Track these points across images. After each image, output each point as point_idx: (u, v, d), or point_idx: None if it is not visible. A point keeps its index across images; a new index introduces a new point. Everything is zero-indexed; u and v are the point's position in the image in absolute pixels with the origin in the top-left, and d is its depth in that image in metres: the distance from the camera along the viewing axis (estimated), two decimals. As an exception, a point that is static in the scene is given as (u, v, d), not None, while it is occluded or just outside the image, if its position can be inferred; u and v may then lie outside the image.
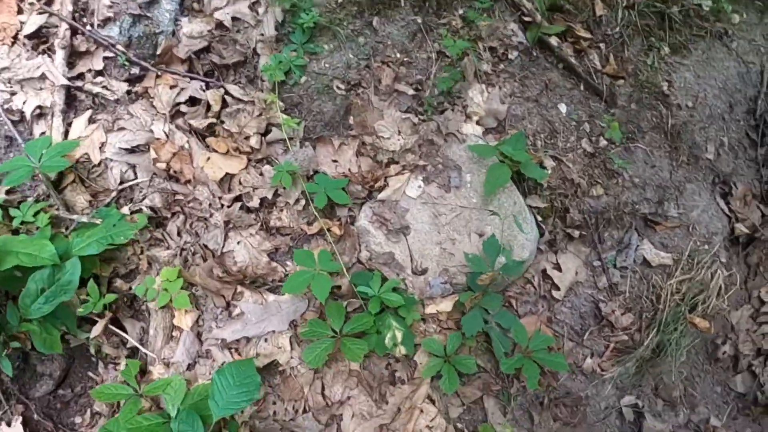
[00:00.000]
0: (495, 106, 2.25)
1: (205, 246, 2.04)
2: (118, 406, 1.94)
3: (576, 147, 2.25)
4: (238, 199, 2.07)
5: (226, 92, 2.14)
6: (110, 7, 2.09)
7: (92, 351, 1.95)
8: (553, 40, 2.31)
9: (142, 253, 2.00)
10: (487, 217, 2.14)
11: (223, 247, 2.04)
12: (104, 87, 2.08)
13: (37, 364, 1.96)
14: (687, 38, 2.42)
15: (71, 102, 2.07)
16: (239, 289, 2.01)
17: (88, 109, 2.08)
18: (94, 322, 1.94)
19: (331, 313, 1.91)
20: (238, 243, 2.05)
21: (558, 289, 2.19)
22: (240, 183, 2.08)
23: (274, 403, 1.98)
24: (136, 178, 2.05)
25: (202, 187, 2.07)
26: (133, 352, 2.01)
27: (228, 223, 2.05)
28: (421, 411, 1.99)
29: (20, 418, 1.88)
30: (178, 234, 2.04)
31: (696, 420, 2.36)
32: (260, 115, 2.11)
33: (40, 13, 2.05)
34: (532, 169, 2.06)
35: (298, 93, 2.19)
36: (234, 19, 2.19)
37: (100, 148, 2.04)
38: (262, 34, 2.20)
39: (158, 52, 2.12)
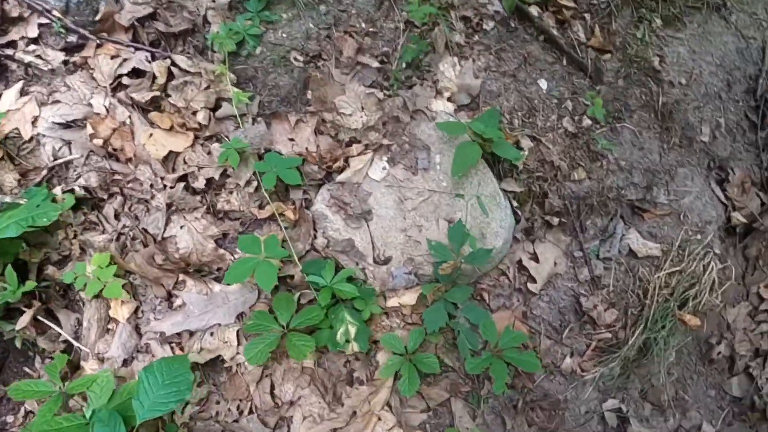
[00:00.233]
0: (468, 81, 2.06)
1: (145, 230, 1.86)
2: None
3: (557, 126, 2.06)
4: (182, 179, 1.89)
5: (173, 63, 1.96)
6: (45, -32, 1.91)
7: (17, 344, 1.78)
8: (533, 10, 2.11)
9: (75, 237, 1.83)
10: (457, 202, 1.95)
11: (164, 231, 1.86)
12: (38, 56, 1.91)
13: (-39, 358, 1.80)
14: (681, 10, 2.21)
15: (1, 72, 1.90)
16: (181, 277, 1.84)
17: (20, 80, 1.90)
18: (23, 313, 1.77)
19: (279, 305, 1.73)
20: (182, 227, 1.87)
21: (535, 281, 2.00)
22: (185, 162, 1.90)
23: (218, 403, 1.80)
24: (71, 155, 1.87)
25: (143, 167, 1.90)
26: (71, 346, 1.84)
27: (171, 205, 1.87)
28: (379, 419, 1.80)
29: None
30: (116, 217, 1.86)
31: (687, 426, 2.18)
32: (208, 87, 1.93)
33: (-33, -25, 1.87)
34: (506, 149, 1.87)
35: (252, 65, 2.00)
36: (183, -16, 2.00)
37: (32, 122, 1.86)
38: (214, 1, 2.01)
39: (98, 18, 1.94)
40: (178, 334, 1.82)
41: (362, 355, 1.89)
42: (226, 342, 1.82)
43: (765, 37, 2.34)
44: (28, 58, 1.90)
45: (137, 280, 1.84)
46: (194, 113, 1.93)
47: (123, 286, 1.79)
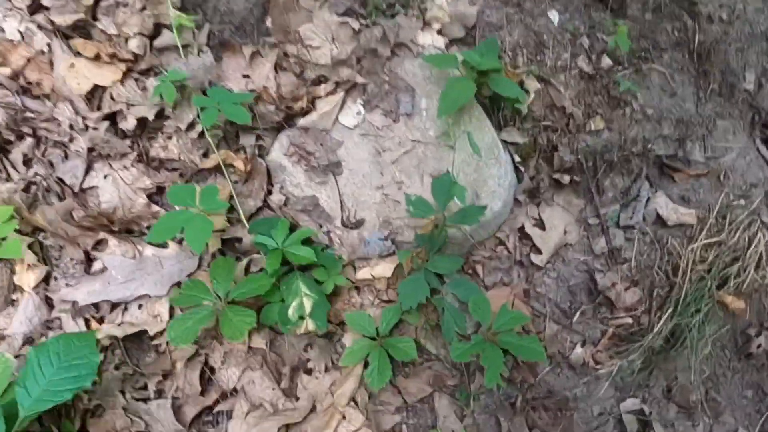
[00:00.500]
0: (462, 9, 1.70)
1: (61, 180, 1.52)
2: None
3: (570, 66, 1.69)
4: (108, 119, 1.55)
5: (104, -20, 1.61)
6: None
7: None
8: (543, -75, 1.74)
9: (-26, 186, 1.49)
10: (446, 154, 1.60)
11: (83, 181, 1.52)
12: (-61, -31, 1.57)
13: None
14: (723, -68, 1.83)
15: None
16: (103, 236, 1.50)
17: None
18: None
19: (217, 272, 1.39)
20: (105, 177, 1.53)
21: (540, 252, 1.65)
22: (112, 98, 1.56)
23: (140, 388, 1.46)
24: (-25, 88, 1.54)
25: (63, 104, 1.55)
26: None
27: (92, 150, 1.53)
28: (344, 417, 1.46)
29: None
30: (25, 163, 1.52)
31: (720, 432, 1.81)
32: (144, 9, 1.59)
33: None
34: (507, 86, 1.51)
35: (200, -14, 1.65)
36: None
37: (-73, 48, 1.53)
38: None
39: (13, -76, 1.59)
40: (96, 306, 1.48)
41: (324, 339, 1.54)
42: (156, 316, 1.48)
43: (822, -31, 1.96)
44: (-75, -30, 1.56)
45: (49, 239, 1.50)
46: (126, 40, 1.59)
47: (31, 247, 1.46)
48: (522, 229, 1.66)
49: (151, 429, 1.40)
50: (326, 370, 1.54)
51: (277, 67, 1.65)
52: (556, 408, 1.64)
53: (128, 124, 1.54)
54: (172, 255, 1.53)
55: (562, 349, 1.67)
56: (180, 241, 1.55)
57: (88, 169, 1.53)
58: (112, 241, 1.50)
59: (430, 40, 1.70)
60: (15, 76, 1.55)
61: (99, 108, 1.57)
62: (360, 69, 1.65)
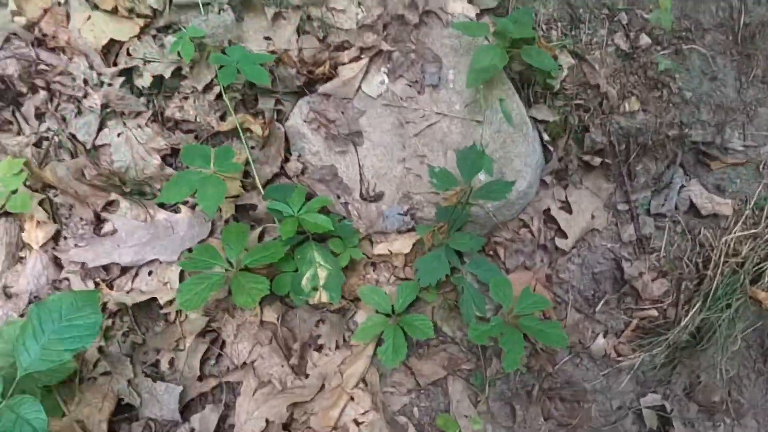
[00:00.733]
0: (496, -22, 1.62)
1: (74, 136, 1.47)
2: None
3: (606, 43, 1.61)
4: (124, 74, 1.49)
5: (125, -68, 1.55)
6: None
7: None
8: None
9: (-16, 138, 1.45)
10: (471, 130, 1.53)
11: (95, 138, 1.47)
12: None
13: None
14: None
15: None
16: (114, 197, 1.45)
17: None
18: None
19: (229, 237, 1.33)
20: (119, 135, 1.48)
21: (565, 237, 1.57)
22: (128, 54, 1.50)
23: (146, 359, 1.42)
24: (-12, 37, 1.49)
25: (78, 59, 1.50)
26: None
27: (106, 106, 1.48)
28: (352, 398, 1.40)
29: None
30: (37, 117, 1.47)
31: (741, 435, 1.74)
32: (164, -37, 1.52)
33: None
34: (540, 57, 1.42)
35: (224, -58, 1.58)
36: None
37: (-59, -7, 1.48)
38: None
39: None
40: (106, 269, 1.43)
41: (337, 315, 1.49)
42: (167, 283, 1.44)
43: None
44: None
45: (59, 197, 1.45)
46: (146, -5, 1.52)
47: (41, 204, 1.42)
48: (547, 211, 1.59)
49: (145, 407, 1.35)
50: (337, 347, 1.48)
51: (300, 30, 1.59)
52: (573, 399, 1.57)
53: (144, 81, 1.48)
54: (184, 220, 1.48)
55: (583, 338, 1.60)
56: (193, 207, 1.50)
57: (102, 126, 1.48)
58: (124, 203, 1.45)
59: (461, 8, 1.62)
60: (31, 26, 1.49)
61: (115, 63, 1.51)
62: (386, 36, 1.58)
